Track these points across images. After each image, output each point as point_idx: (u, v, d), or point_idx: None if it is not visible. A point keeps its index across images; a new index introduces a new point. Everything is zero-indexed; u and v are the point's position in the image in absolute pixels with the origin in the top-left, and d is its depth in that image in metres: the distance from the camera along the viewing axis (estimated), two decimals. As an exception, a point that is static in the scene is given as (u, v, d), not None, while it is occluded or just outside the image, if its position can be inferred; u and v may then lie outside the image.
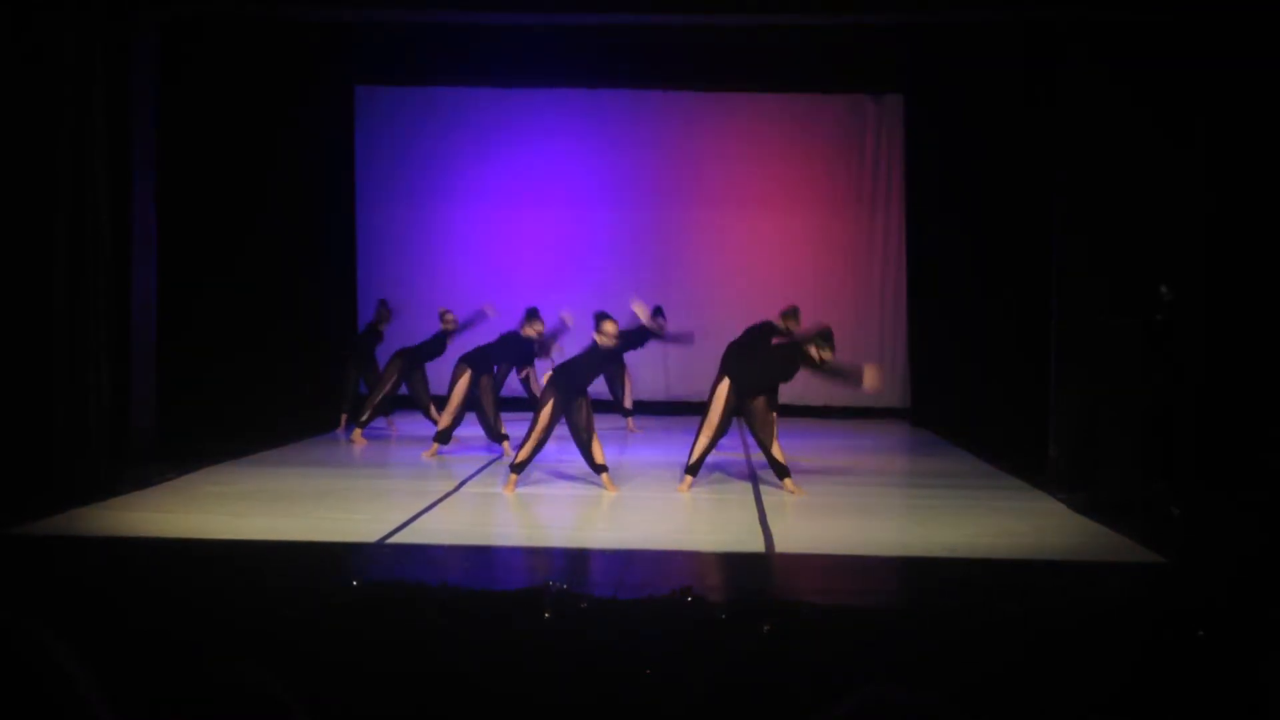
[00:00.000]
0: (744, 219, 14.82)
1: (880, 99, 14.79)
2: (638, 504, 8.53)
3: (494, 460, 10.59)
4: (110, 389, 8.92)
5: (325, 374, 14.16)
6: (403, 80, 14.76)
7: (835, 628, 5.04)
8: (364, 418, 12.04)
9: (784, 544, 7.18)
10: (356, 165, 15.03)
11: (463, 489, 9.05)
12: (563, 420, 8.91)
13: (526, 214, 14.97)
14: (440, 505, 8.33)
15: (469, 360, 10.96)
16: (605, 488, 8.92)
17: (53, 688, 1.72)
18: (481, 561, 6.68)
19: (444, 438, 10.91)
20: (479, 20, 11.61)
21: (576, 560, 6.81)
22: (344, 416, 12.58)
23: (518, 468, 8.94)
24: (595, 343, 8.95)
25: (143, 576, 5.91)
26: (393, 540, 7.05)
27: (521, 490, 9.19)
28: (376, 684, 4.44)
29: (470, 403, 10.92)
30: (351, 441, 11.91)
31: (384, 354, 12.55)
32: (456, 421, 10.92)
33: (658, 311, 12.33)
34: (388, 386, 12.09)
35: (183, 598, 5.27)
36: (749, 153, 14.86)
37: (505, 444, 10.82)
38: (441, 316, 12.07)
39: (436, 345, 12.11)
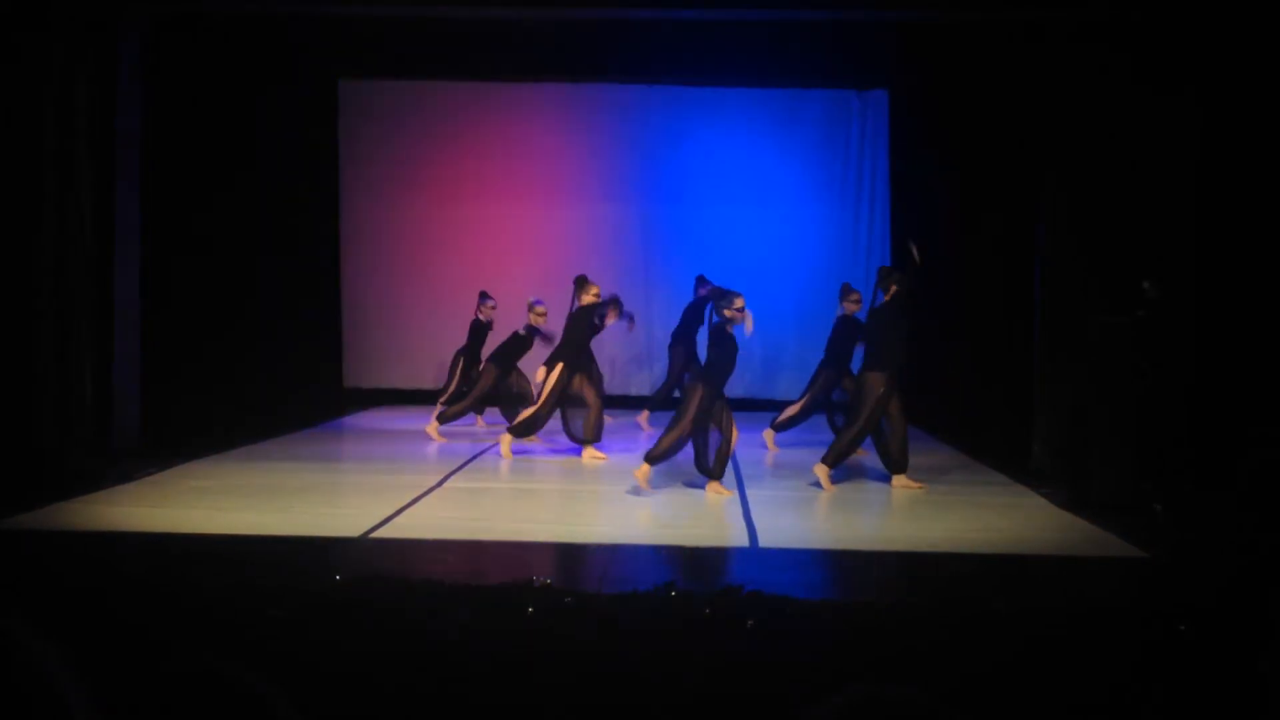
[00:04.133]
0: (728, 214, 14.80)
1: (865, 95, 14.80)
2: (622, 499, 8.52)
3: (479, 454, 10.57)
4: (93, 384, 8.89)
5: (308, 369, 14.16)
6: (385, 74, 14.71)
7: (820, 623, 5.04)
8: (449, 412, 11.72)
9: (768, 539, 7.18)
10: (339, 159, 14.98)
11: (446, 483, 9.03)
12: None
13: (510, 208, 14.92)
14: (424, 499, 8.31)
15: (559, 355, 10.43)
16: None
17: (32, 684, 1.70)
18: (465, 556, 6.66)
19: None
20: (462, 14, 11.59)
21: (560, 555, 6.80)
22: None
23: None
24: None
25: (124, 572, 5.88)
26: (376, 535, 7.04)
27: (506, 485, 9.20)
28: (359, 678, 4.43)
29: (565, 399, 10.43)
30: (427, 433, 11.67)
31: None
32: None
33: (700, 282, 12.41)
34: (481, 390, 11.71)
35: (165, 594, 5.24)
36: (733, 148, 14.84)
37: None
38: (531, 309, 11.47)
39: (526, 341, 11.60)
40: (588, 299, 10.35)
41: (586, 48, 13.61)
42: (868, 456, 10.15)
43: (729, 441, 8.60)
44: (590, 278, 10.61)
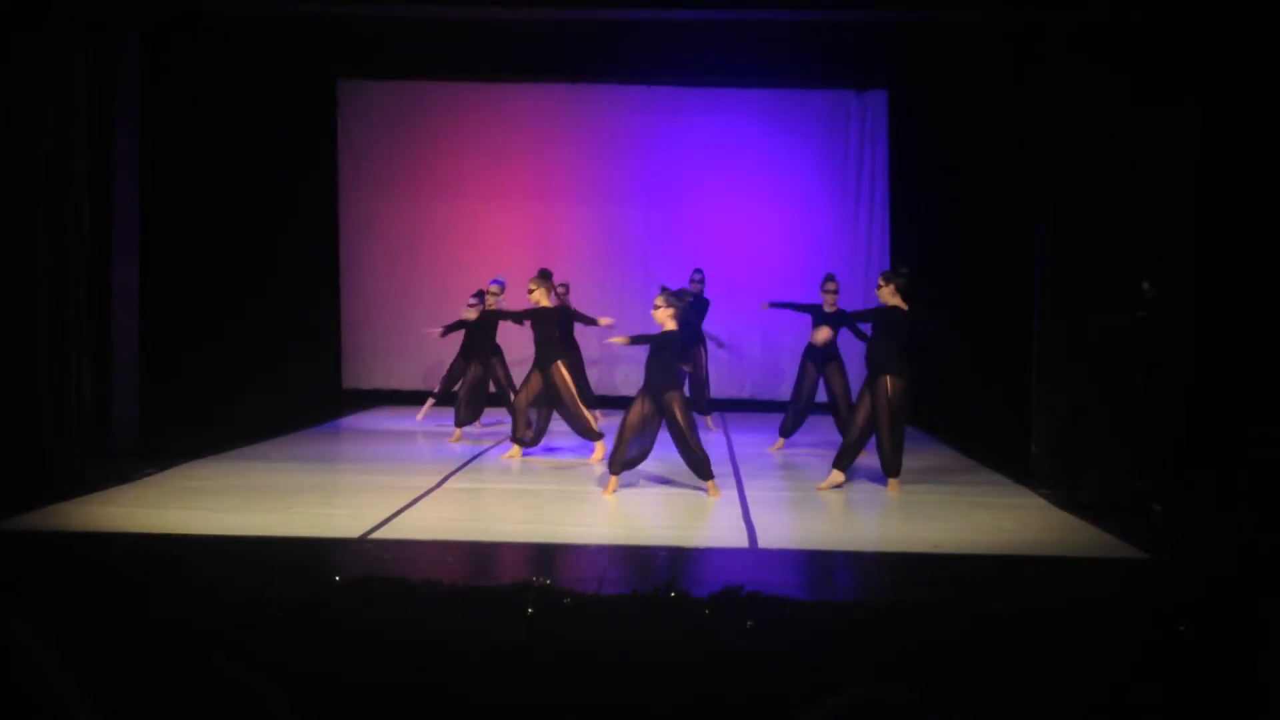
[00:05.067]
0: (728, 214, 14.80)
1: (864, 95, 14.80)
2: (621, 500, 8.52)
3: (477, 455, 10.57)
4: (91, 385, 8.88)
5: (307, 370, 14.15)
6: (385, 74, 14.70)
7: (818, 623, 5.04)
8: (460, 415, 11.68)
9: (767, 539, 7.18)
10: (339, 159, 14.97)
11: (446, 484, 9.03)
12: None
13: (508, 208, 14.92)
14: (424, 500, 8.31)
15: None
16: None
17: (32, 684, 1.70)
18: (464, 557, 6.66)
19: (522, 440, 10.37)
20: (462, 14, 11.58)
21: (560, 556, 6.80)
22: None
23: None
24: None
25: (123, 572, 5.87)
26: (375, 536, 7.03)
27: (506, 486, 9.19)
28: (357, 679, 4.42)
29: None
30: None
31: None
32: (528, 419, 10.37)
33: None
34: (470, 383, 11.74)
35: (164, 594, 5.24)
36: (733, 148, 14.83)
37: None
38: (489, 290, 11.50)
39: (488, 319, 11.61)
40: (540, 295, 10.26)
41: (586, 48, 13.61)
42: (867, 458, 10.15)
43: (621, 434, 8.63)
44: (553, 275, 10.60)
